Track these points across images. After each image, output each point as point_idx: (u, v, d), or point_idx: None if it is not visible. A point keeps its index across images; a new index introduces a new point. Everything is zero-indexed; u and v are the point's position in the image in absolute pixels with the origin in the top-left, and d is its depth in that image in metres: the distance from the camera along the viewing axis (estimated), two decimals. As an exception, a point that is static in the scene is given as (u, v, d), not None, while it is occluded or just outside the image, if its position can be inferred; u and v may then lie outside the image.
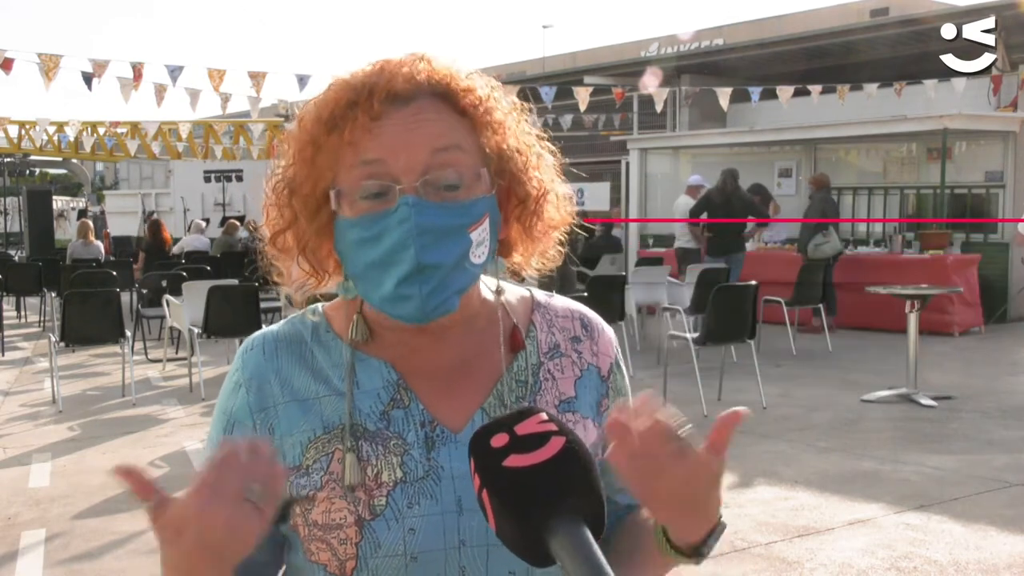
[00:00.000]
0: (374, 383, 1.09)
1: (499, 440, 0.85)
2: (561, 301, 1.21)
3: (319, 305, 1.17)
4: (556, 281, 9.76)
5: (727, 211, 11.08)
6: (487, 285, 1.15)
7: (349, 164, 1.02)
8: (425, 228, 0.99)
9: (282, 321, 1.17)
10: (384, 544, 1.02)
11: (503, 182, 1.06)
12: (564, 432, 0.86)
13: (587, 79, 19.23)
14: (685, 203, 12.02)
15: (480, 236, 1.03)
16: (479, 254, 1.04)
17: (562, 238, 1.15)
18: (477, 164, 1.04)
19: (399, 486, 1.04)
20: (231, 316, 8.38)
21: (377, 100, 1.00)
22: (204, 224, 17.00)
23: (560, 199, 1.12)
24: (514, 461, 0.84)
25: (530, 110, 1.13)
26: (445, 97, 1.03)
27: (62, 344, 8.25)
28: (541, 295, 1.21)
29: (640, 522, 1.12)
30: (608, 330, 1.22)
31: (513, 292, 1.19)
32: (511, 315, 1.15)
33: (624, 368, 1.22)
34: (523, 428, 0.86)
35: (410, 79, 1.02)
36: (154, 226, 14.71)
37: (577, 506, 0.83)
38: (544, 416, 0.87)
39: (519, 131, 1.09)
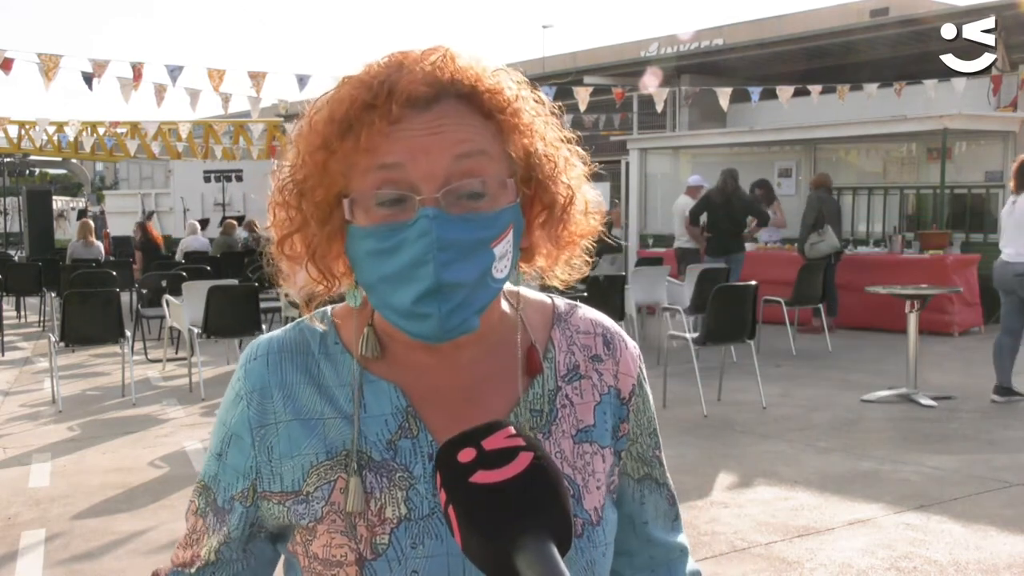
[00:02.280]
0: (382, 408, 1.03)
1: (466, 455, 0.84)
2: (584, 312, 1.13)
3: (328, 309, 1.09)
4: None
5: (727, 211, 11.07)
6: (505, 294, 1.07)
7: (364, 169, 0.94)
8: (446, 243, 0.92)
9: (288, 325, 1.10)
10: None
11: (528, 190, 0.99)
12: (532, 447, 0.85)
13: (587, 79, 19.24)
14: (685, 203, 11.95)
15: (503, 249, 0.96)
16: (501, 268, 0.97)
17: (590, 247, 1.08)
18: (503, 172, 0.96)
19: (403, 523, 0.99)
20: (231, 316, 8.38)
21: (396, 103, 0.92)
22: (198, 225, 17.02)
23: (589, 206, 1.05)
24: (481, 477, 0.82)
25: (560, 111, 1.05)
26: (470, 99, 0.96)
27: (62, 344, 8.24)
28: (563, 305, 1.13)
29: None
30: (632, 347, 1.13)
31: (532, 301, 1.11)
32: (529, 332, 1.07)
33: (648, 386, 1.14)
34: (491, 443, 0.85)
35: (432, 80, 0.94)
36: (142, 226, 15.35)
37: (544, 523, 0.82)
38: (512, 430, 0.86)
39: (547, 133, 1.01)
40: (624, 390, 1.10)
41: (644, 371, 1.14)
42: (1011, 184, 7.44)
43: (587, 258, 1.08)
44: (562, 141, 1.03)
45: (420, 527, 0.99)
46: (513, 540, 0.81)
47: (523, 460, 0.83)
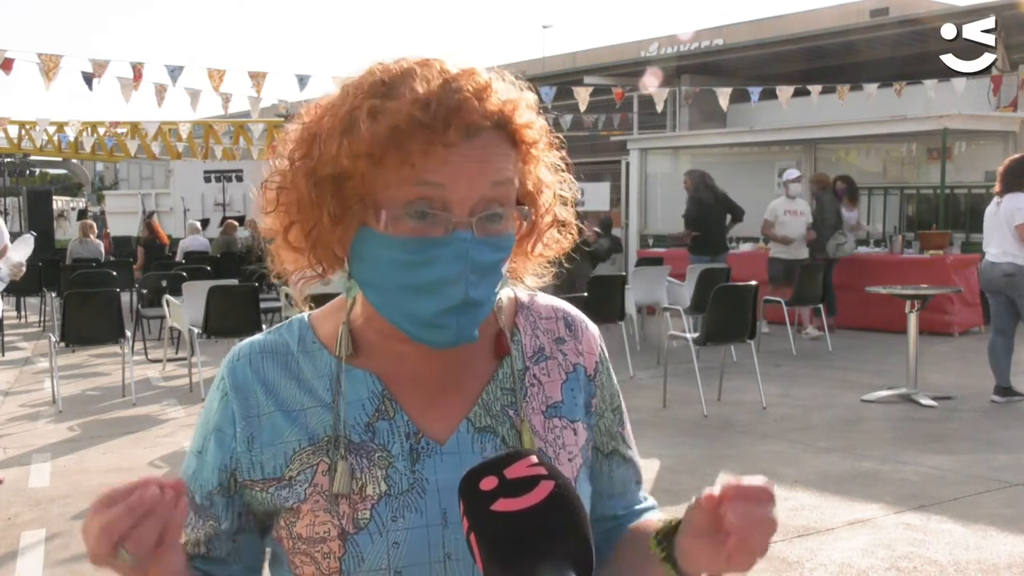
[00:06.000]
0: (359, 394, 1.07)
1: (488, 483, 0.86)
2: (544, 300, 1.20)
3: (305, 314, 1.15)
4: (567, 280, 9.79)
5: (718, 211, 11.11)
6: None
7: (402, 180, 0.97)
8: (477, 266, 0.99)
9: (267, 330, 1.15)
10: (368, 558, 1.01)
11: (527, 214, 1.06)
12: (553, 475, 0.86)
13: (587, 79, 19.25)
14: (782, 204, 11.06)
15: (506, 267, 1.05)
16: (501, 284, 1.05)
17: (553, 260, 1.15)
18: (518, 197, 1.04)
19: (383, 499, 1.03)
20: (231, 316, 8.37)
21: (455, 129, 0.96)
22: (199, 225, 17.03)
23: (563, 226, 1.12)
24: (502, 505, 0.84)
25: (560, 141, 1.10)
26: (506, 130, 1.01)
27: (62, 344, 8.24)
28: (524, 295, 1.19)
29: (637, 540, 1.12)
30: (592, 327, 1.21)
31: (501, 293, 1.16)
32: (498, 319, 1.13)
33: (610, 363, 1.21)
34: (513, 471, 0.86)
35: (484, 113, 0.98)
36: (149, 225, 15.71)
37: (564, 551, 0.83)
38: (534, 459, 0.87)
39: (550, 162, 1.09)
40: (589, 367, 1.17)
41: (605, 350, 1.21)
42: (996, 186, 7.46)
43: (552, 268, 1.15)
44: (561, 169, 1.10)
45: (400, 502, 1.03)
46: (533, 568, 0.82)
47: (544, 489, 0.85)
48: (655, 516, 1.22)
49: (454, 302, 0.99)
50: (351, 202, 1.00)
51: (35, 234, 8.48)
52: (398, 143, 0.96)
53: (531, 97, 1.05)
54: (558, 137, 1.10)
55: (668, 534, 0.97)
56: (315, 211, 1.01)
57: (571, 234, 1.13)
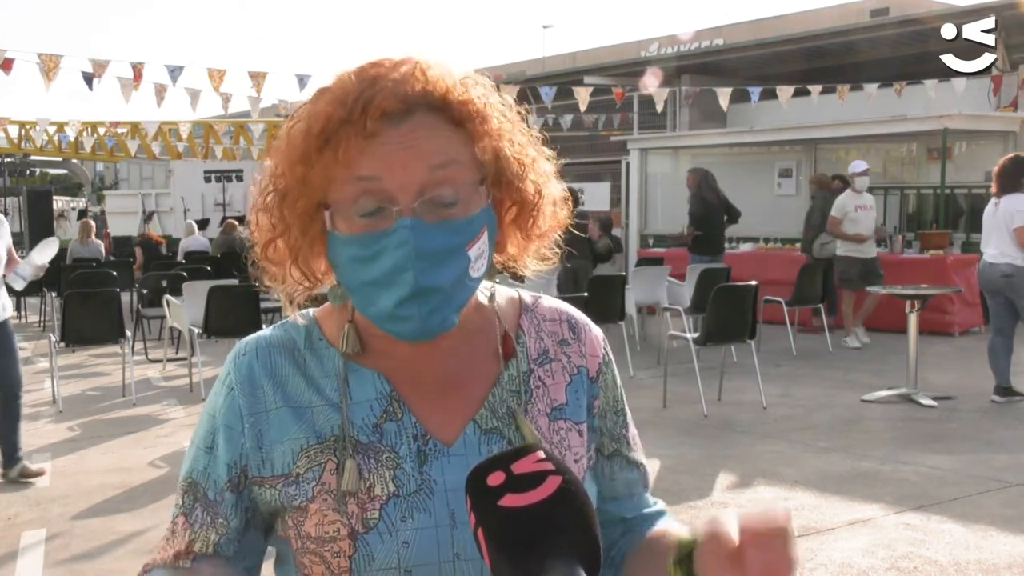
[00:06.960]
0: (366, 394, 1.08)
1: (495, 479, 0.85)
2: (548, 302, 1.20)
3: (309, 311, 1.15)
4: (570, 276, 9.78)
5: (721, 211, 11.09)
6: (481, 289, 1.13)
7: (342, 180, 0.99)
8: (424, 252, 0.97)
9: (273, 326, 1.15)
10: (378, 557, 1.02)
11: (498, 192, 1.05)
12: (561, 471, 0.86)
13: (587, 79, 19.26)
14: (851, 199, 10.31)
15: (479, 250, 1.02)
16: (478, 267, 1.03)
17: (559, 239, 1.14)
18: (474, 177, 1.01)
19: (392, 500, 1.03)
20: (231, 316, 8.37)
21: (371, 119, 0.97)
22: (195, 225, 17.03)
23: (557, 201, 1.10)
24: (510, 501, 0.84)
25: (527, 111, 1.10)
26: (441, 110, 1.00)
27: (62, 344, 8.25)
28: (528, 296, 1.19)
29: (654, 555, 1.10)
30: (595, 329, 1.20)
31: (503, 294, 1.17)
32: (502, 321, 1.14)
33: (614, 366, 1.20)
34: (520, 467, 0.86)
35: (404, 94, 0.98)
36: (142, 235, 16.59)
37: (572, 546, 0.83)
38: (541, 454, 0.87)
39: (514, 136, 1.06)
40: (592, 369, 1.16)
41: (609, 352, 1.21)
42: (993, 187, 7.46)
43: (556, 249, 1.14)
44: (529, 141, 1.08)
45: (409, 502, 1.04)
46: (541, 564, 0.82)
47: (551, 484, 0.85)
48: (668, 524, 1.20)
49: (407, 291, 0.98)
50: (311, 211, 1.02)
51: (58, 238, 8.52)
52: (325, 143, 0.98)
53: (471, 73, 1.05)
54: (522, 114, 1.09)
55: (685, 558, 0.93)
56: (283, 223, 1.04)
57: (567, 208, 1.12)
